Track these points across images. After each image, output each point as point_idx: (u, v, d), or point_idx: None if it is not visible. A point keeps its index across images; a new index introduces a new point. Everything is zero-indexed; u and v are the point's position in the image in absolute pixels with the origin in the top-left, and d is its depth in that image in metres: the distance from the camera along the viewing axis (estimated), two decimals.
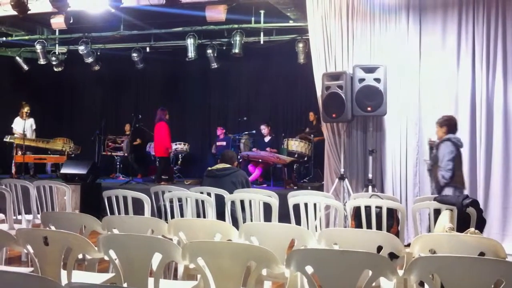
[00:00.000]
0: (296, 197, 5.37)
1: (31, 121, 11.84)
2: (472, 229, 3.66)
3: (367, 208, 4.92)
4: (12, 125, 11.73)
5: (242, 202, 5.30)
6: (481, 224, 4.65)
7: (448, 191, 5.90)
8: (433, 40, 7.63)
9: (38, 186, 6.51)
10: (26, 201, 6.44)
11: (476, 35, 7.40)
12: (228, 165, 6.32)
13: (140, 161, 12.73)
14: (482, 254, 3.07)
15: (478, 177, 7.31)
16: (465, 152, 7.37)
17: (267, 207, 5.26)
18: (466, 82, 7.42)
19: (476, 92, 7.37)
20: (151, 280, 3.16)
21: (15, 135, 11.53)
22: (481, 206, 5.20)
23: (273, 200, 5.28)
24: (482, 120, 7.31)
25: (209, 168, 6.40)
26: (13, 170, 11.18)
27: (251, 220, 5.20)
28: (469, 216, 4.60)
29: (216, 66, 11.30)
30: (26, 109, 11.57)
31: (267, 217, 5.24)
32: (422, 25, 7.69)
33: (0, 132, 11.75)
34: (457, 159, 6.06)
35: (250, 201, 5.29)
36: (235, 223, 5.19)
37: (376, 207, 4.95)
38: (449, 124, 6.16)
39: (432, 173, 6.24)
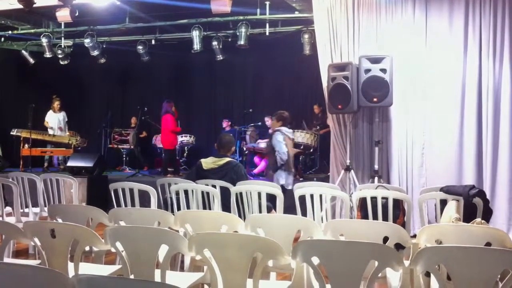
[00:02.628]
0: (302, 188, 5.37)
1: (63, 114, 12.15)
2: (478, 220, 3.65)
3: (373, 199, 4.91)
4: (46, 119, 11.95)
5: (245, 194, 5.31)
6: (487, 215, 4.63)
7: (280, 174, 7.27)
8: (440, 30, 7.58)
9: (45, 179, 6.54)
10: (33, 194, 6.47)
11: (483, 25, 7.34)
12: (223, 160, 6.06)
13: (146, 153, 12.77)
14: (488, 244, 3.07)
15: (485, 167, 7.28)
16: (471, 142, 7.36)
17: (270, 199, 5.27)
18: (473, 72, 7.38)
19: (483, 82, 7.32)
20: (157, 272, 3.17)
21: (48, 129, 11.87)
22: (488, 196, 5.18)
23: (279, 191, 5.28)
24: (489, 110, 7.27)
25: (204, 167, 6.09)
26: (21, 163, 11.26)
27: (260, 212, 5.21)
28: (476, 207, 4.59)
29: (221, 58, 11.29)
30: (56, 103, 11.97)
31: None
32: (428, 15, 7.64)
33: (8, 125, 11.81)
34: (288, 147, 7.30)
35: (258, 193, 5.29)
36: (240, 214, 5.20)
37: (382, 198, 4.94)
38: (284, 119, 7.50)
39: (269, 159, 7.68)
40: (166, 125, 10.98)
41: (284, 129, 7.40)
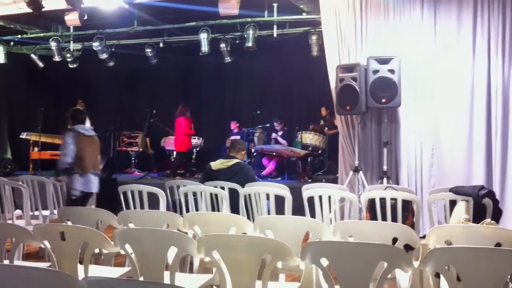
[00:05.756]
0: (310, 189, 5.36)
1: None
2: (488, 220, 3.63)
3: (382, 200, 4.90)
4: None
5: (254, 195, 5.32)
6: (497, 215, 4.62)
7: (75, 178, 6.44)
8: (448, 30, 7.55)
9: (55, 182, 6.57)
10: (42, 197, 6.50)
11: (491, 24, 7.30)
12: (232, 162, 6.12)
13: (155, 156, 12.80)
14: (498, 245, 3.05)
15: (494, 167, 7.24)
16: (480, 142, 7.32)
17: (279, 201, 5.26)
18: (481, 72, 7.34)
19: (492, 82, 7.28)
20: (167, 274, 3.18)
21: None
22: (497, 196, 5.17)
23: (287, 193, 5.28)
24: (498, 110, 7.22)
25: (212, 168, 6.21)
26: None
27: (268, 213, 5.21)
28: (485, 207, 4.57)
29: (229, 60, 11.28)
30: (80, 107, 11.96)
31: (280, 211, 5.24)
32: (436, 15, 7.61)
33: (17, 128, 11.88)
34: (82, 146, 6.46)
35: (267, 195, 5.29)
36: (248, 216, 5.21)
37: (391, 199, 4.93)
38: (73, 117, 6.65)
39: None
40: (180, 127, 11.03)
41: (79, 127, 6.55)
